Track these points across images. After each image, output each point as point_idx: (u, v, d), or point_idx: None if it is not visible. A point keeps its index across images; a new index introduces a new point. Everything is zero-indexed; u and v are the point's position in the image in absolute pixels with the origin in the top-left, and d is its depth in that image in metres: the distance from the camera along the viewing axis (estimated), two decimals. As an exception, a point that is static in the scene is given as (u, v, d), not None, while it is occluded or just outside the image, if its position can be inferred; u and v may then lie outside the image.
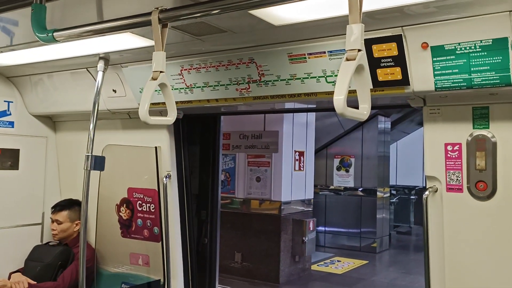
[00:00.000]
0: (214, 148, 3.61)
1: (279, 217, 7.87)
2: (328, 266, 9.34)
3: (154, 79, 1.71)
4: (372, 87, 2.16)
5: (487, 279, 2.15)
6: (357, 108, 1.33)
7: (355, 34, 1.23)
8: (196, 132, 3.58)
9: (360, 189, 10.91)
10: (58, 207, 3.52)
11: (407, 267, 9.64)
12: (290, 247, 8.05)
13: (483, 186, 2.13)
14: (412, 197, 13.37)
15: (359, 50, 1.23)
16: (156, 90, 1.81)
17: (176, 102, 2.76)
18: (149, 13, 1.72)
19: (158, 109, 2.79)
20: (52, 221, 3.49)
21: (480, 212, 2.15)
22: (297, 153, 8.22)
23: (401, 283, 8.47)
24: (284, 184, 7.94)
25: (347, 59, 1.23)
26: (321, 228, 11.01)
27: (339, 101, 1.19)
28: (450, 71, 1.97)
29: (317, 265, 9.19)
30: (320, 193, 11.11)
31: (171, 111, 1.84)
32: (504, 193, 2.09)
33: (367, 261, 9.87)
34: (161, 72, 1.71)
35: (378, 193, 10.76)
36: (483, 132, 2.13)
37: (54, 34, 1.95)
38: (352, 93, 1.35)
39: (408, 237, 12.80)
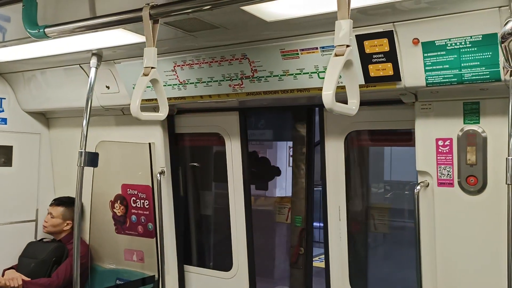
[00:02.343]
0: (309, 145, 3.18)
1: (274, 213, 7.88)
2: (323, 261, 9.37)
3: (145, 75, 1.71)
4: (364, 83, 2.18)
5: (478, 272, 2.17)
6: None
7: (344, 30, 1.24)
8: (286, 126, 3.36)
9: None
10: (57, 201, 3.53)
11: (402, 262, 9.70)
12: (285, 242, 8.07)
13: (474, 181, 2.15)
14: (406, 192, 13.42)
15: (348, 46, 1.23)
16: (149, 86, 1.81)
17: (170, 98, 2.79)
18: (140, 9, 1.72)
19: (151, 105, 2.80)
20: (48, 213, 3.50)
21: (470, 206, 2.17)
22: (291, 149, 8.24)
23: (395, 277, 8.52)
24: (279, 180, 7.95)
25: (336, 55, 1.24)
26: (316, 224, 11.03)
27: (327, 96, 1.20)
28: (441, 66, 1.99)
29: (313, 261, 9.22)
30: (315, 188, 11.12)
31: (162, 107, 1.84)
32: (494, 187, 2.11)
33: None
34: (152, 68, 1.72)
35: (372, 188, 10.80)
36: (474, 127, 2.15)
37: (45, 30, 1.95)
38: (342, 89, 1.36)
39: (403, 232, 12.85)
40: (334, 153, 2.81)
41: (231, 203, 3.15)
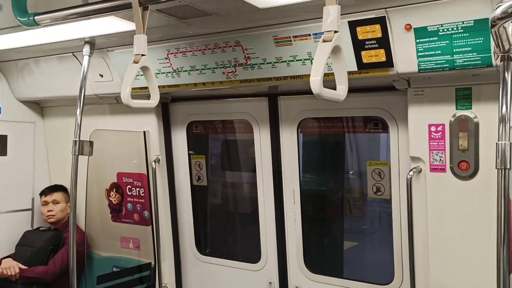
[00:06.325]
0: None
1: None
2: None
3: (135, 62, 1.71)
4: (356, 69, 2.18)
5: (470, 256, 2.20)
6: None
7: (332, 16, 1.23)
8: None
9: (351, 172, 10.96)
10: (50, 189, 3.54)
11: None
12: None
13: (466, 166, 2.17)
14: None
15: (336, 32, 1.23)
16: (141, 74, 1.80)
17: (163, 86, 2.78)
18: None
19: (145, 93, 2.79)
20: (46, 203, 3.49)
21: (462, 191, 2.19)
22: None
23: (391, 263, 8.57)
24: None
25: (324, 41, 1.24)
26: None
27: (315, 82, 1.20)
28: (433, 52, 1.99)
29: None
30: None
31: (154, 94, 1.84)
32: (486, 172, 2.12)
33: (357, 243, 9.94)
34: (142, 55, 1.71)
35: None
36: (466, 112, 2.15)
37: (35, 17, 1.94)
38: (332, 75, 1.36)
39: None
40: (289, 140, 2.89)
41: (259, 193, 3.05)
